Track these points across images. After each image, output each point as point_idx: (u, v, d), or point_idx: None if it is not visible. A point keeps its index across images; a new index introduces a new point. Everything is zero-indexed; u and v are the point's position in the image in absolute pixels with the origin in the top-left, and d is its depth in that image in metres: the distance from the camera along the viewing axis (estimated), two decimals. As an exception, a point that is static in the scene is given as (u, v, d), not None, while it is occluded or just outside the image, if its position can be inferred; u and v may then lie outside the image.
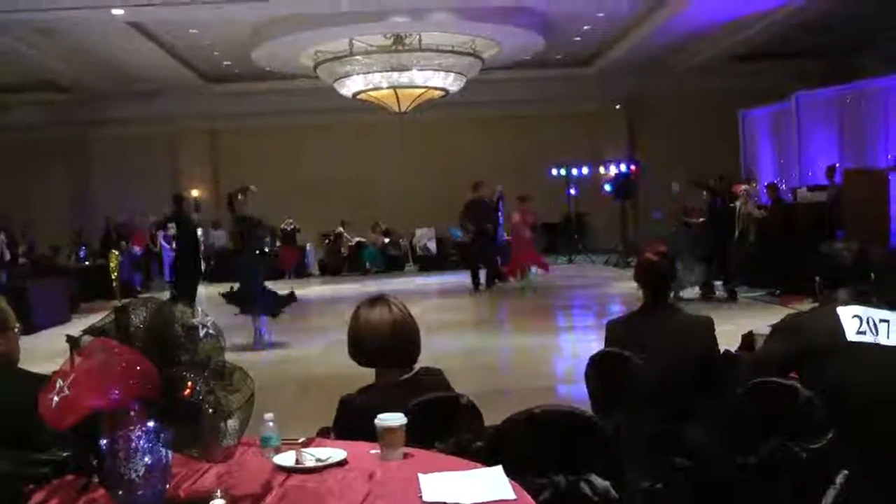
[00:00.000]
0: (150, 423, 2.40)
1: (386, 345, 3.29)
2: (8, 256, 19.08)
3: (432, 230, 24.62)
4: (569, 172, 24.64)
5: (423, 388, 3.26)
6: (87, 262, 21.06)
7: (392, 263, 24.23)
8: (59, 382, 2.31)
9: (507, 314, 14.92)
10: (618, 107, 26.54)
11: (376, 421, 2.87)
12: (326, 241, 25.05)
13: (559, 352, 10.63)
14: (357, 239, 24.75)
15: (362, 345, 3.34)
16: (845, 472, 2.46)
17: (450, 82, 20.11)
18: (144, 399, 2.35)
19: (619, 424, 3.83)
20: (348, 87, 20.11)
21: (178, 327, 2.44)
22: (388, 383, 3.32)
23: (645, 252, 4.06)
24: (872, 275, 3.51)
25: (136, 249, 21.98)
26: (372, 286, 19.45)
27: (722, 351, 4.09)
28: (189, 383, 2.31)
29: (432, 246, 24.53)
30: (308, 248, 24.78)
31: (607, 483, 2.81)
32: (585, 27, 20.73)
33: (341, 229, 24.72)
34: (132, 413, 2.39)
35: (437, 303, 16.54)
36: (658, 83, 25.09)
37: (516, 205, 18.38)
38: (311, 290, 19.72)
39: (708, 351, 3.85)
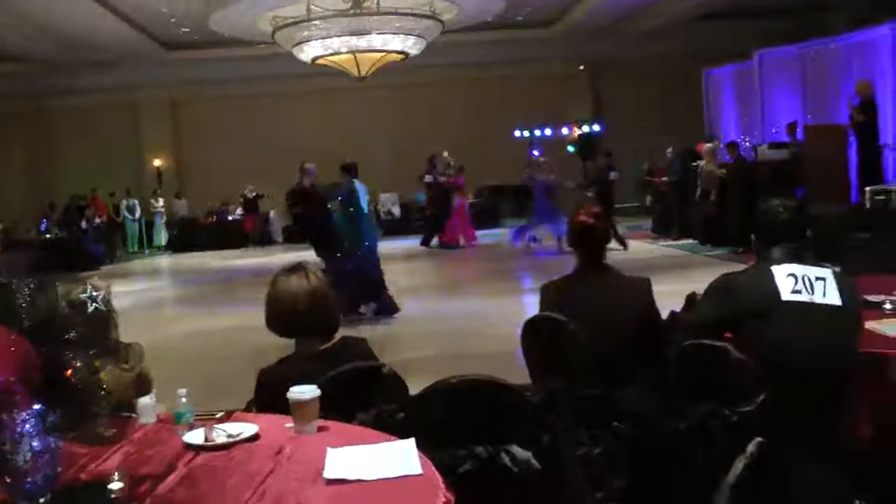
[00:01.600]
0: (36, 406, 2.26)
1: (303, 314, 3.17)
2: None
3: (395, 195, 24.45)
4: (532, 134, 24.51)
5: (344, 358, 3.14)
6: (48, 235, 20.76)
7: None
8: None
9: (471, 277, 14.86)
10: (581, 67, 26.36)
11: (288, 394, 2.75)
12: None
13: (521, 314, 10.52)
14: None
15: (279, 314, 3.22)
16: (759, 439, 2.35)
17: (409, 45, 19.79)
18: (25, 380, 2.21)
19: (554, 389, 3.75)
20: (307, 53, 19.75)
21: (64, 304, 2.29)
22: (307, 354, 3.21)
23: (578, 211, 3.93)
24: (809, 232, 3.41)
25: (98, 220, 21.66)
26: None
27: (669, 312, 3.98)
28: (73, 363, 2.17)
29: (396, 210, 24.38)
30: (272, 215, 24.57)
31: (528, 454, 2.71)
32: (547, -13, 20.53)
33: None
34: (17, 396, 2.25)
35: (403, 266, 16.45)
36: (622, 44, 24.91)
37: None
38: (272, 258, 19.54)
39: (645, 312, 3.74)
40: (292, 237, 24.32)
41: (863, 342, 3.23)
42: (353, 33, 18.84)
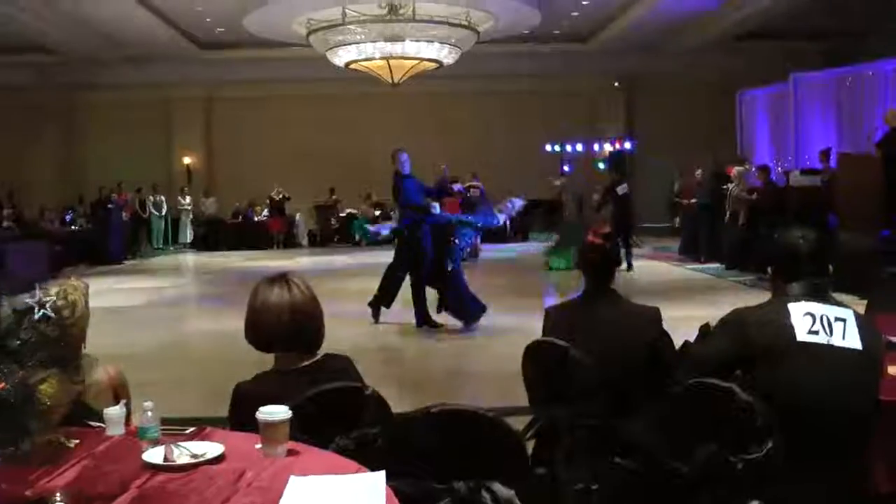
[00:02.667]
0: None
1: (284, 328, 2.98)
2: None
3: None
4: (563, 149, 24.29)
5: (325, 376, 2.95)
6: (73, 227, 20.77)
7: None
8: None
9: (492, 292, 14.63)
10: (616, 84, 26.11)
11: (257, 414, 2.56)
12: (326, 201, 24.63)
13: (536, 333, 10.30)
14: (348, 210, 24.44)
15: (259, 327, 3.03)
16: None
17: (444, 55, 19.68)
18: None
19: (555, 419, 3.56)
20: (341, 57, 19.70)
21: (8, 310, 2.11)
22: (286, 370, 3.01)
23: (587, 232, 3.72)
24: (831, 267, 3.17)
25: (124, 216, 21.65)
26: (361, 258, 19.22)
27: (683, 341, 3.76)
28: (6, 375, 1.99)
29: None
30: (297, 218, 24.49)
31: (511, 493, 2.49)
32: (584, 2, 20.30)
33: (336, 197, 24.48)
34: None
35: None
36: (657, 61, 24.67)
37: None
38: (295, 261, 19.48)
39: (653, 343, 3.52)
40: (316, 240, 24.34)
41: (884, 389, 2.99)
42: (387, 39, 18.77)
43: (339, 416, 2.85)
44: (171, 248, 24.31)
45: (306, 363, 3.03)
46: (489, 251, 19.75)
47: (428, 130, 25.25)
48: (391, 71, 19.96)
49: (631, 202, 17.07)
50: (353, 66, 19.89)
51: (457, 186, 14.74)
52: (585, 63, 25.10)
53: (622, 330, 3.55)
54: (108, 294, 13.94)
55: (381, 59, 19.40)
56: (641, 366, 3.47)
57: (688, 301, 11.67)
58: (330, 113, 25.73)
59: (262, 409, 2.56)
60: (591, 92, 25.86)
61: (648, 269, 16.16)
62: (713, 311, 3.54)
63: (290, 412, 2.56)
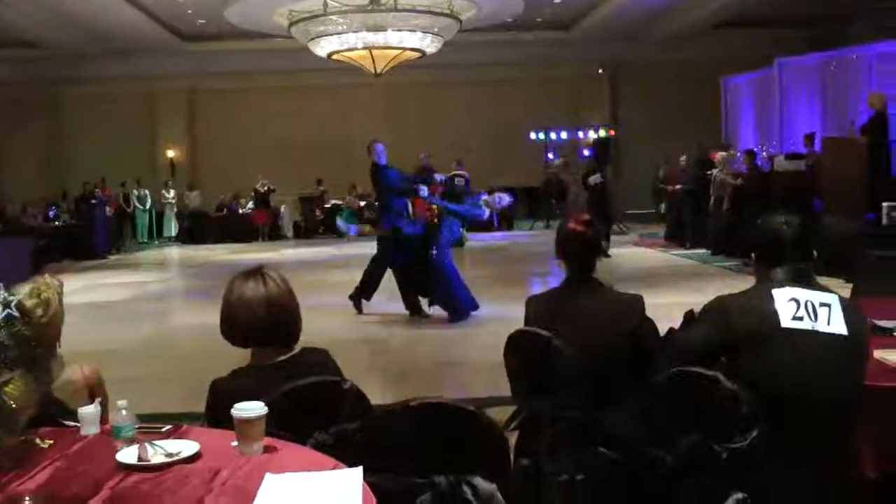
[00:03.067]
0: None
1: (260, 322, 2.93)
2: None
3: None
4: (548, 136, 24.26)
5: (302, 371, 2.90)
6: (57, 223, 20.63)
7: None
8: None
9: (479, 281, 14.62)
10: (600, 71, 26.08)
11: (232, 411, 2.51)
12: (312, 193, 24.56)
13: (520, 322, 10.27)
14: (333, 201, 24.36)
15: (235, 322, 2.98)
16: (740, 495, 2.09)
17: (427, 44, 19.61)
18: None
19: (537, 410, 3.52)
20: (323, 48, 19.60)
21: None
22: (263, 365, 2.97)
23: (568, 219, 3.67)
24: (816, 252, 3.13)
25: (108, 210, 21.52)
26: (346, 249, 19.15)
27: (668, 328, 3.71)
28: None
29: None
30: (282, 210, 24.41)
31: (493, 486, 2.45)
32: (566, -11, 20.26)
33: (323, 188, 24.40)
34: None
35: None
36: (640, 49, 24.66)
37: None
38: (281, 253, 19.42)
39: (635, 332, 3.48)
40: (301, 232, 24.25)
41: (869, 374, 2.96)
42: (369, 29, 18.70)
43: (316, 411, 2.80)
44: (156, 242, 24.19)
45: (283, 358, 2.98)
46: (474, 240, 19.69)
47: (412, 120, 25.21)
48: (374, 61, 19.87)
49: (607, 191, 17.07)
50: (335, 56, 19.81)
51: (438, 177, 14.75)
52: (568, 51, 25.04)
53: (604, 319, 3.50)
54: (92, 289, 13.85)
55: (364, 49, 19.32)
56: (624, 355, 3.43)
57: (673, 287, 11.68)
58: (313, 104, 25.64)
59: (237, 405, 2.51)
60: (574, 79, 25.81)
61: (634, 256, 16.18)
62: (699, 298, 3.50)
63: (266, 408, 2.52)
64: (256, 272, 3.02)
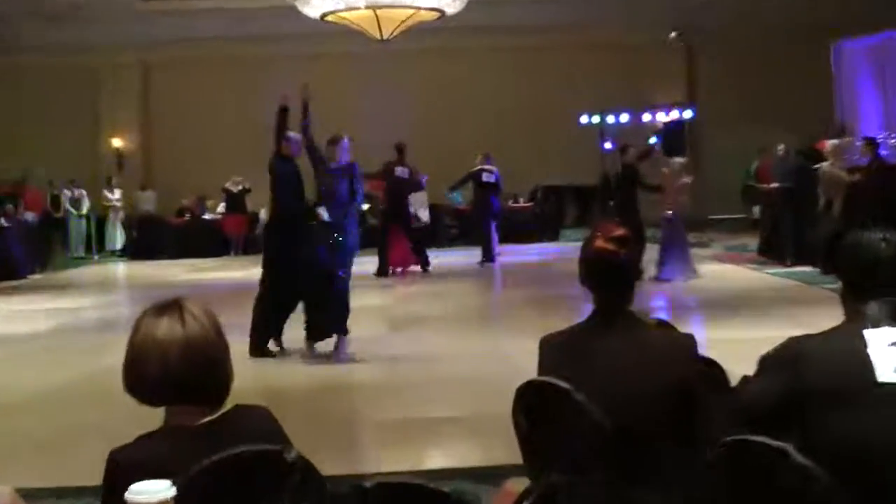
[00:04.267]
0: None
1: (176, 372, 2.85)
2: None
3: (424, 194, 24.18)
4: (604, 121, 24.20)
5: (234, 436, 2.82)
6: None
7: (370, 237, 23.87)
8: None
9: (503, 307, 14.60)
10: (672, 36, 25.98)
11: (126, 494, 2.43)
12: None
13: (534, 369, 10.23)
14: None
15: (142, 372, 2.89)
16: None
17: (447, 2, 19.66)
18: None
19: (556, 485, 3.46)
20: (314, 7, 19.69)
21: None
22: (178, 430, 2.88)
23: (595, 235, 3.60)
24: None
25: (30, 215, 21.61)
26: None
27: (742, 377, 3.64)
28: None
29: (424, 215, 24.08)
30: (262, 215, 24.44)
31: None
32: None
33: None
34: None
35: (418, 290, 16.52)
36: (725, 7, 24.53)
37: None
38: (252, 272, 19.49)
39: (684, 383, 3.40)
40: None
41: None
42: (373, -18, 18.79)
43: (249, 492, 2.74)
44: (96, 257, 24.35)
45: (207, 420, 2.90)
46: (508, 253, 19.77)
47: (425, 100, 25.26)
48: (379, 23, 19.95)
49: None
50: (330, 18, 19.89)
51: (424, 177, 15.14)
52: (631, 9, 25.02)
53: (642, 365, 3.43)
54: (4, 320, 13.92)
55: (367, 8, 19.39)
56: (668, 414, 3.35)
57: (766, 318, 11.59)
58: (301, 78, 25.63)
59: (133, 487, 2.44)
60: (639, 47, 25.81)
61: (715, 276, 16.07)
62: (796, 332, 3.36)
63: (173, 489, 2.44)
64: (173, 305, 2.93)
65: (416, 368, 9.90)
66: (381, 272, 18.11)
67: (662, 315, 4.08)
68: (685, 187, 16.01)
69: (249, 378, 9.45)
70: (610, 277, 3.57)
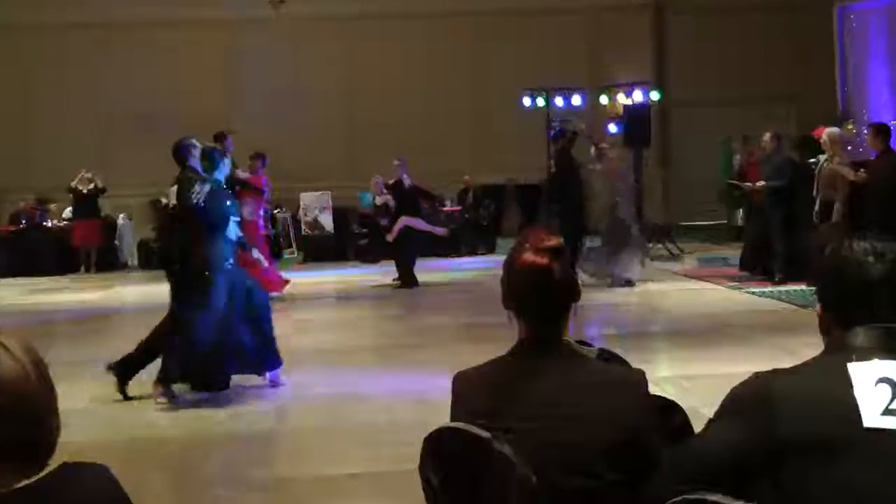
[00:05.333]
0: None
1: (-16, 424, 2.84)
2: None
3: (328, 195, 24.21)
4: (550, 102, 24.35)
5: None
6: None
7: (260, 248, 23.94)
8: None
9: (424, 337, 14.67)
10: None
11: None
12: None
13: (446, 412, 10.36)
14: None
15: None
16: None
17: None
18: None
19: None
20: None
21: None
22: (-12, 496, 2.87)
23: (522, 247, 3.62)
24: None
25: None
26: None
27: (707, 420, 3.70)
28: None
29: (326, 221, 24.14)
30: (121, 221, 24.34)
31: None
32: None
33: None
34: None
35: (323, 317, 16.58)
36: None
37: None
38: (115, 294, 19.41)
39: (631, 430, 3.45)
40: (152, 260, 24.14)
41: None
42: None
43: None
44: None
45: (25, 483, 2.88)
46: (430, 270, 19.90)
47: (329, 76, 25.36)
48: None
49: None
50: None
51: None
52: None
53: (581, 409, 3.47)
54: None
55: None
56: (610, 471, 3.40)
57: (742, 348, 11.82)
58: (176, 51, 25.67)
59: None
60: (595, 10, 26.01)
61: (687, 297, 16.28)
62: (785, 365, 3.39)
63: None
64: (-16, 338, 2.92)
65: (313, 413, 10.01)
66: None
67: (609, 344, 4.07)
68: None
69: (101, 427, 9.49)
70: (541, 298, 3.60)
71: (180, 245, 10.81)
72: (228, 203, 10.98)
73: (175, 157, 10.94)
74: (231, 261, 10.74)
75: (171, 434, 9.59)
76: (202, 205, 10.62)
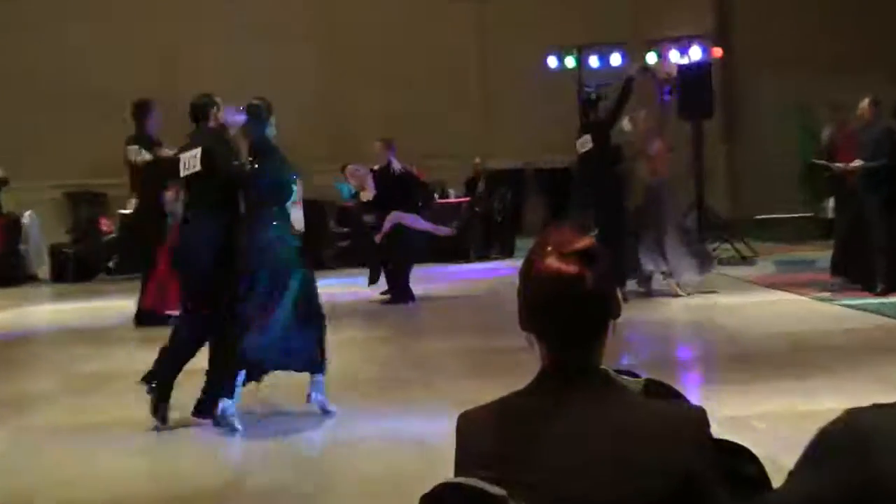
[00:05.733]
0: None
1: None
2: None
3: (298, 185, 24.46)
4: (583, 63, 24.44)
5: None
6: None
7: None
8: None
9: (422, 366, 14.73)
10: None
11: None
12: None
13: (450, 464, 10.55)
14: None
15: None
16: None
17: None
18: None
19: None
20: None
21: None
22: None
23: (543, 249, 3.52)
24: None
25: None
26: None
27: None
28: None
29: (296, 217, 24.29)
30: (26, 219, 24.40)
31: None
32: None
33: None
34: None
35: None
36: None
37: None
38: (19, 314, 19.58)
39: (689, 485, 3.40)
40: (66, 270, 24.19)
41: None
42: None
43: None
44: None
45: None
46: (431, 278, 19.97)
47: (306, 52, 25.57)
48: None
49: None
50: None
51: None
52: None
53: (622, 457, 3.40)
54: None
55: None
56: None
57: (833, 378, 11.81)
58: (106, 17, 25.89)
59: None
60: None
61: (761, 311, 16.26)
62: (888, 399, 3.34)
63: None
64: None
65: (288, 461, 10.24)
66: None
67: (657, 375, 3.96)
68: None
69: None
70: (568, 316, 3.53)
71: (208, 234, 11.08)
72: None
73: (195, 115, 11.42)
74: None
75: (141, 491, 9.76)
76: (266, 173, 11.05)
